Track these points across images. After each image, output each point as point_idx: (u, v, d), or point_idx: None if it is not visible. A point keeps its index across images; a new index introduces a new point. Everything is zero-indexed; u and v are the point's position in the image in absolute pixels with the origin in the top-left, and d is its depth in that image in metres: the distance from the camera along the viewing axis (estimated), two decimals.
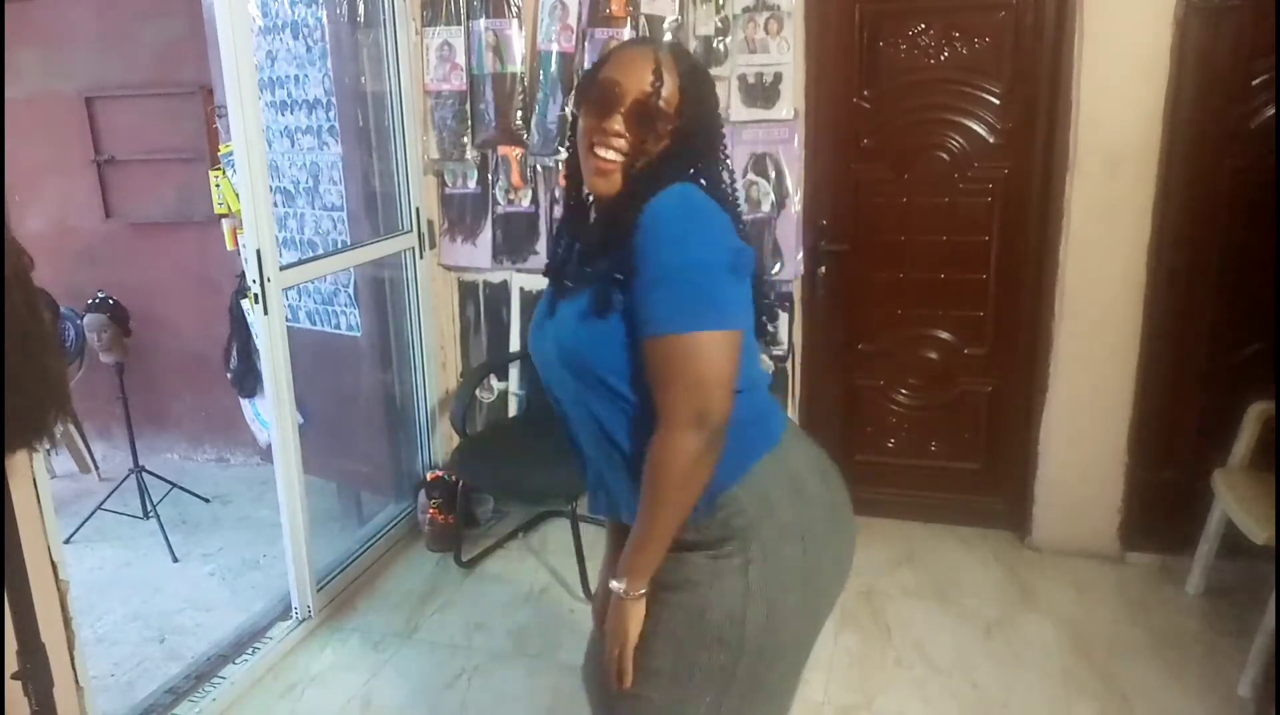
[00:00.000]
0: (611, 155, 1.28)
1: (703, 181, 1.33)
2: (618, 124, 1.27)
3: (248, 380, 3.14)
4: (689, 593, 1.27)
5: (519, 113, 3.14)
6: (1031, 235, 2.97)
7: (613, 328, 1.25)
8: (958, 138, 2.98)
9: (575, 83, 1.23)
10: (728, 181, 1.37)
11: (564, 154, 3.09)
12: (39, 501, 1.74)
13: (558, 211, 3.21)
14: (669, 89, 1.28)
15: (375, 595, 2.97)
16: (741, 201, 1.48)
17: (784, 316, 3.10)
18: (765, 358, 3.11)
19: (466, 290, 3.44)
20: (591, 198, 1.37)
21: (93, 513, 3.47)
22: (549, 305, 1.37)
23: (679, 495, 1.21)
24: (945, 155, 3.00)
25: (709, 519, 1.28)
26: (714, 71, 2.95)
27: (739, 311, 1.24)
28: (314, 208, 3.23)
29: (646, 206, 1.22)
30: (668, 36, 2.94)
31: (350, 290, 3.26)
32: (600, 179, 1.29)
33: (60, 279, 3.75)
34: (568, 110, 3.08)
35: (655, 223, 1.21)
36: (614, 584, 1.28)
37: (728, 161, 1.38)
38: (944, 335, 3.15)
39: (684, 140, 1.30)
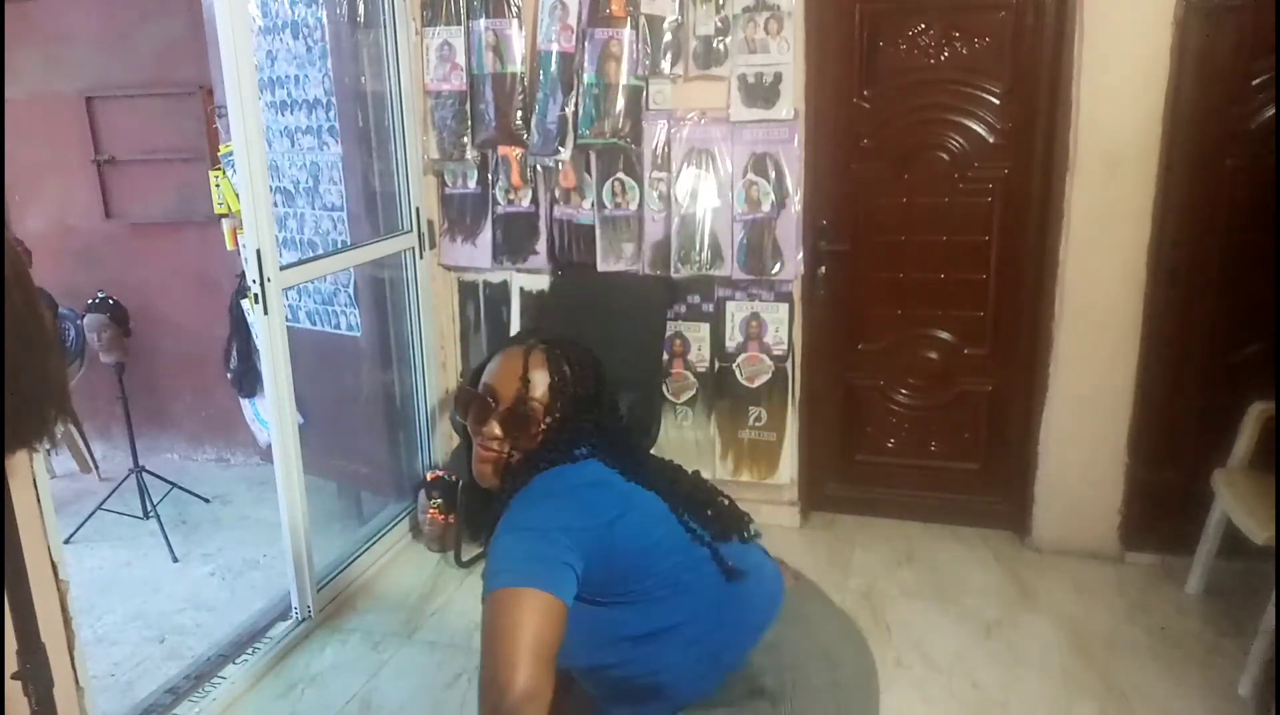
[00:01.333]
0: (490, 455, 1.41)
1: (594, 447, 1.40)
2: (495, 430, 1.40)
3: (248, 380, 3.14)
4: None
5: (519, 113, 3.14)
6: (1031, 235, 2.97)
7: None
8: (958, 138, 2.98)
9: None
10: (625, 433, 1.47)
11: (564, 154, 3.10)
12: (39, 501, 1.74)
13: (558, 211, 3.22)
14: (539, 390, 1.40)
15: (375, 595, 2.97)
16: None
17: (784, 316, 3.10)
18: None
19: (466, 290, 3.44)
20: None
21: (93, 513, 3.47)
22: None
23: None
24: (945, 155, 3.00)
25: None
26: (714, 71, 2.95)
27: (549, 574, 1.21)
28: (314, 208, 3.23)
29: (514, 496, 1.33)
30: (667, 37, 2.94)
31: (350, 290, 3.26)
32: (480, 477, 1.44)
33: (60, 279, 3.75)
34: (568, 111, 3.08)
35: (512, 509, 1.32)
36: None
37: (622, 419, 1.51)
38: (944, 335, 3.15)
39: (558, 436, 1.39)
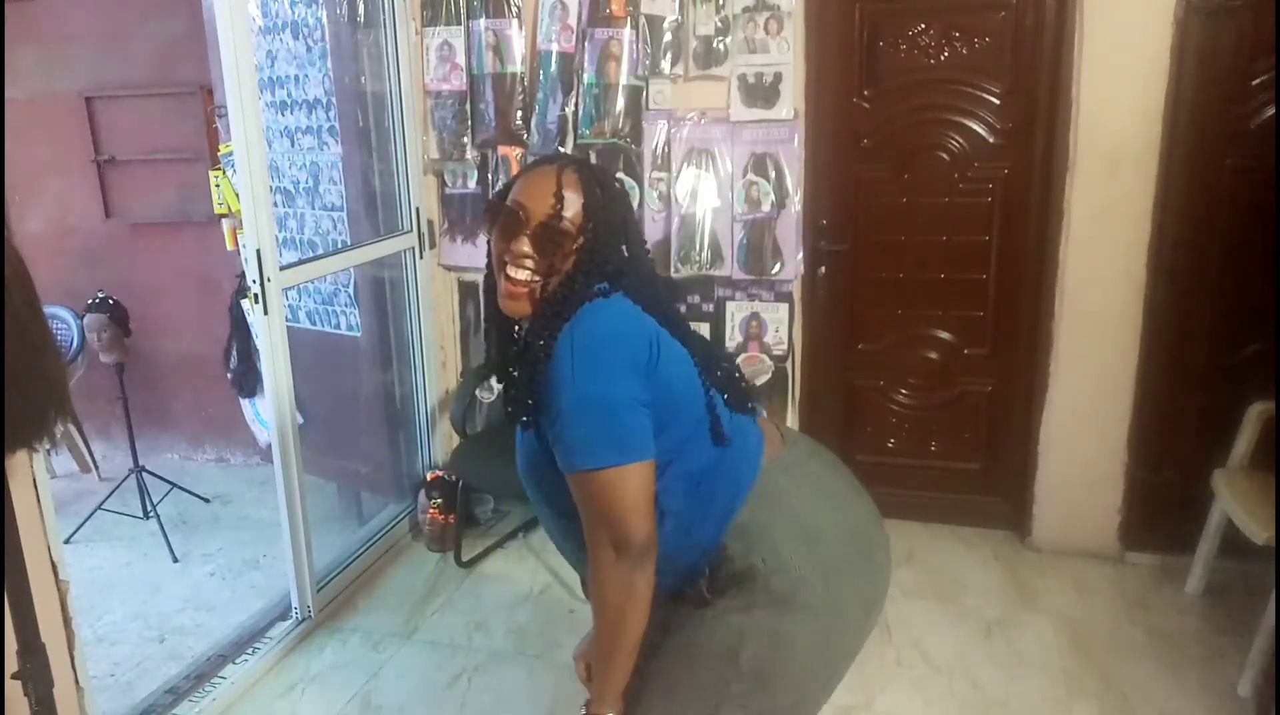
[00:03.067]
0: (522, 275, 1.34)
1: (623, 285, 1.36)
2: (525, 246, 1.33)
3: (248, 380, 3.13)
4: (680, 634, 1.35)
5: (519, 113, 3.14)
6: (1031, 235, 2.97)
7: (541, 442, 1.33)
8: (958, 138, 2.98)
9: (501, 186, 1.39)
10: (652, 272, 1.43)
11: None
12: (39, 501, 1.74)
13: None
14: (572, 209, 1.33)
15: (375, 595, 2.97)
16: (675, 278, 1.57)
17: (784, 316, 3.10)
18: (764, 356, 3.12)
19: (466, 290, 3.44)
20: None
21: (93, 513, 3.47)
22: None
23: (623, 618, 1.28)
24: (945, 155, 3.00)
25: (710, 575, 1.35)
26: (714, 71, 2.95)
27: (641, 441, 1.26)
28: (314, 208, 3.23)
29: (557, 337, 1.27)
30: (668, 37, 2.94)
31: (350, 290, 3.26)
32: (510, 302, 1.37)
33: (60, 279, 3.76)
34: (568, 111, 3.08)
35: (560, 356, 1.26)
36: (591, 706, 1.34)
37: (649, 257, 1.44)
38: (944, 335, 3.15)
39: (591, 257, 1.34)
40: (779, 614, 1.31)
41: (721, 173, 3.01)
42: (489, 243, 1.42)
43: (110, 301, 3.49)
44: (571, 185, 1.34)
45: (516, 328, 1.44)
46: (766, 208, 2.99)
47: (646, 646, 1.33)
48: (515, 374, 1.37)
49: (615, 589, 1.26)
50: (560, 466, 1.28)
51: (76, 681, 1.85)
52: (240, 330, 3.12)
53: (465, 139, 3.21)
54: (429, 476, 3.28)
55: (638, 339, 1.29)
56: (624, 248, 1.39)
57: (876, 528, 1.47)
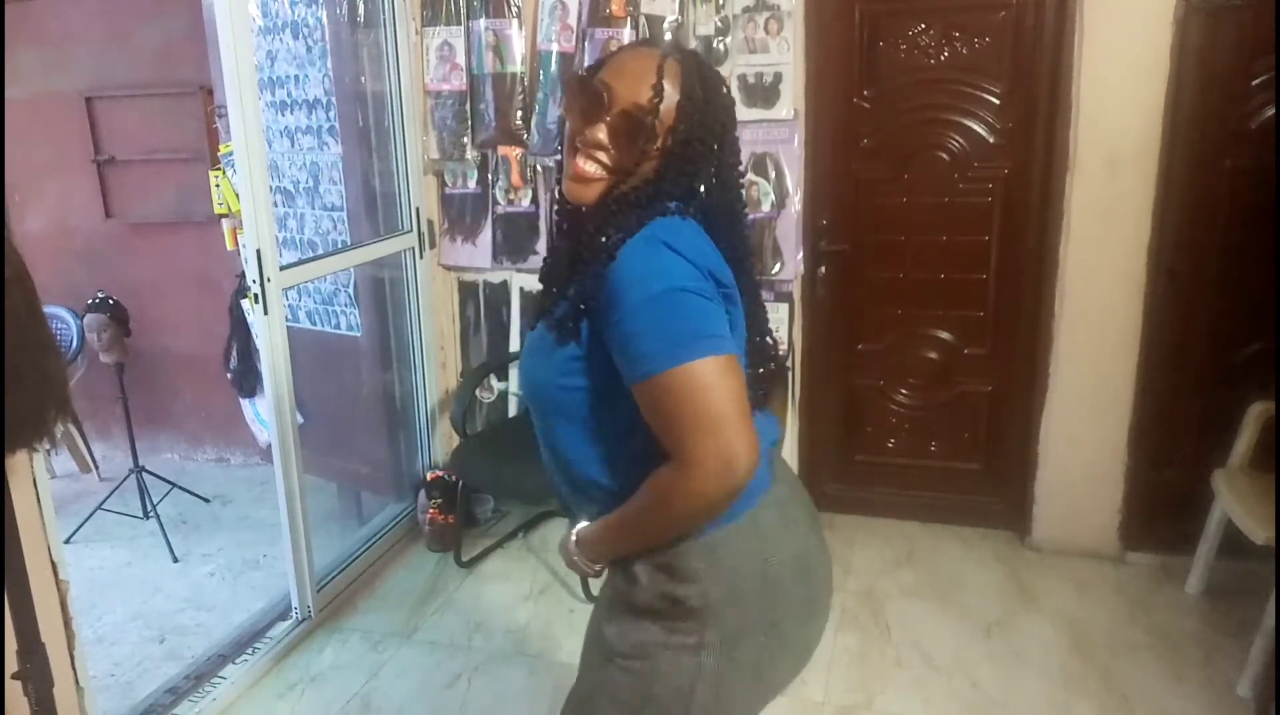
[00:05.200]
0: (591, 167, 1.17)
1: (700, 202, 1.21)
2: (601, 135, 1.16)
3: (248, 380, 3.14)
4: (640, 661, 1.22)
5: (519, 113, 3.14)
6: (1031, 235, 2.97)
7: (575, 358, 1.17)
8: (958, 138, 2.98)
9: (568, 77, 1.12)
10: (736, 203, 1.25)
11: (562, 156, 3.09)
12: (39, 501, 1.74)
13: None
14: (666, 104, 1.15)
15: (375, 595, 2.97)
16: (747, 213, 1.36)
17: (784, 316, 3.10)
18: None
19: (466, 290, 3.44)
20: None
21: (93, 513, 3.47)
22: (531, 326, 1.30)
23: (669, 530, 1.16)
24: (945, 155, 3.00)
25: (660, 586, 1.20)
26: None
27: (720, 336, 1.09)
28: (314, 208, 3.23)
29: (625, 241, 1.12)
30: (668, 37, 2.94)
31: (350, 290, 3.26)
32: (578, 185, 1.18)
33: (60, 279, 3.76)
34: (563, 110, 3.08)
35: (628, 258, 1.11)
36: (572, 544, 1.26)
37: (740, 186, 1.26)
38: (944, 335, 3.15)
39: (675, 163, 1.17)
40: (725, 663, 1.20)
41: None
42: (562, 120, 1.24)
43: (110, 301, 3.49)
44: (672, 77, 1.15)
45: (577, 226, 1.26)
46: (766, 208, 2.99)
47: (602, 653, 1.26)
48: (564, 273, 1.22)
49: (695, 505, 1.09)
50: (629, 379, 1.10)
51: (76, 681, 1.85)
52: (240, 330, 3.13)
53: (465, 139, 3.21)
54: (429, 476, 3.28)
55: (719, 268, 1.15)
56: (713, 167, 1.21)
57: (827, 590, 1.33)
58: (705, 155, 1.19)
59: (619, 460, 1.21)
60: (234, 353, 3.17)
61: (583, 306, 1.14)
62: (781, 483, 1.29)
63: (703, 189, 1.22)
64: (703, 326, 1.08)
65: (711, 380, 1.06)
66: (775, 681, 1.29)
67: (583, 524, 1.27)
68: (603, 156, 1.17)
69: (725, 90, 1.23)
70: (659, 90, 1.14)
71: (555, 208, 1.31)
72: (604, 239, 1.14)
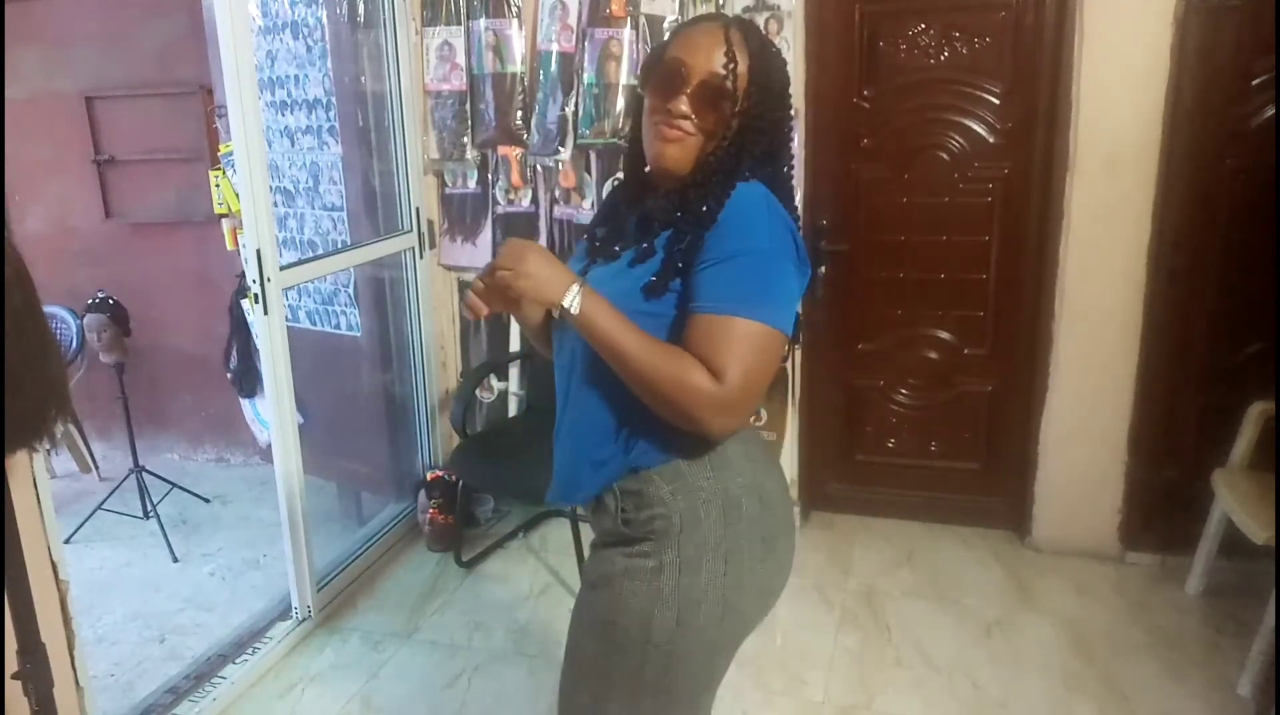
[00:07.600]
0: (684, 127, 1.26)
1: (767, 172, 1.30)
2: (684, 105, 1.25)
3: (248, 380, 3.14)
4: (604, 591, 1.30)
5: (519, 113, 3.14)
6: (1031, 235, 2.97)
7: (659, 312, 1.23)
8: (958, 138, 2.98)
9: (644, 63, 1.22)
10: (792, 162, 1.35)
11: (564, 154, 3.10)
12: (39, 501, 1.74)
13: (558, 211, 3.21)
14: (740, 69, 1.24)
15: (375, 595, 2.97)
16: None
17: None
18: None
19: (467, 290, 3.43)
20: (654, 174, 1.33)
21: (93, 513, 3.47)
22: (580, 269, 1.36)
23: (651, 387, 1.18)
24: (945, 155, 3.00)
25: (630, 504, 1.28)
26: None
27: (790, 316, 1.23)
28: (314, 208, 3.23)
29: (726, 203, 1.21)
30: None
31: (350, 290, 3.26)
32: (672, 146, 1.26)
33: (60, 279, 3.75)
34: (568, 111, 3.08)
35: (732, 213, 1.21)
36: (572, 291, 1.22)
37: (791, 158, 1.35)
38: (944, 335, 3.15)
39: (752, 126, 1.27)
40: (683, 588, 1.25)
41: None
42: (639, 102, 1.33)
43: (110, 301, 3.48)
44: (739, 44, 1.25)
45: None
46: None
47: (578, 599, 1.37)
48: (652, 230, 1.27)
49: (689, 394, 1.15)
50: (705, 308, 1.17)
51: (76, 681, 1.85)
52: (240, 330, 3.13)
53: (465, 139, 3.21)
54: (429, 476, 3.28)
55: (797, 234, 1.27)
56: (789, 124, 1.33)
57: (787, 531, 1.38)
58: (779, 109, 1.30)
59: (645, 430, 1.26)
60: (234, 353, 3.17)
61: (680, 264, 1.21)
62: (744, 428, 1.38)
63: (775, 147, 1.31)
64: (780, 298, 1.21)
65: (772, 352, 1.20)
66: (738, 610, 1.30)
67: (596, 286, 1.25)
68: (687, 125, 1.26)
69: (777, 51, 1.32)
70: (732, 56, 1.24)
71: (627, 180, 1.42)
72: (705, 206, 1.22)
